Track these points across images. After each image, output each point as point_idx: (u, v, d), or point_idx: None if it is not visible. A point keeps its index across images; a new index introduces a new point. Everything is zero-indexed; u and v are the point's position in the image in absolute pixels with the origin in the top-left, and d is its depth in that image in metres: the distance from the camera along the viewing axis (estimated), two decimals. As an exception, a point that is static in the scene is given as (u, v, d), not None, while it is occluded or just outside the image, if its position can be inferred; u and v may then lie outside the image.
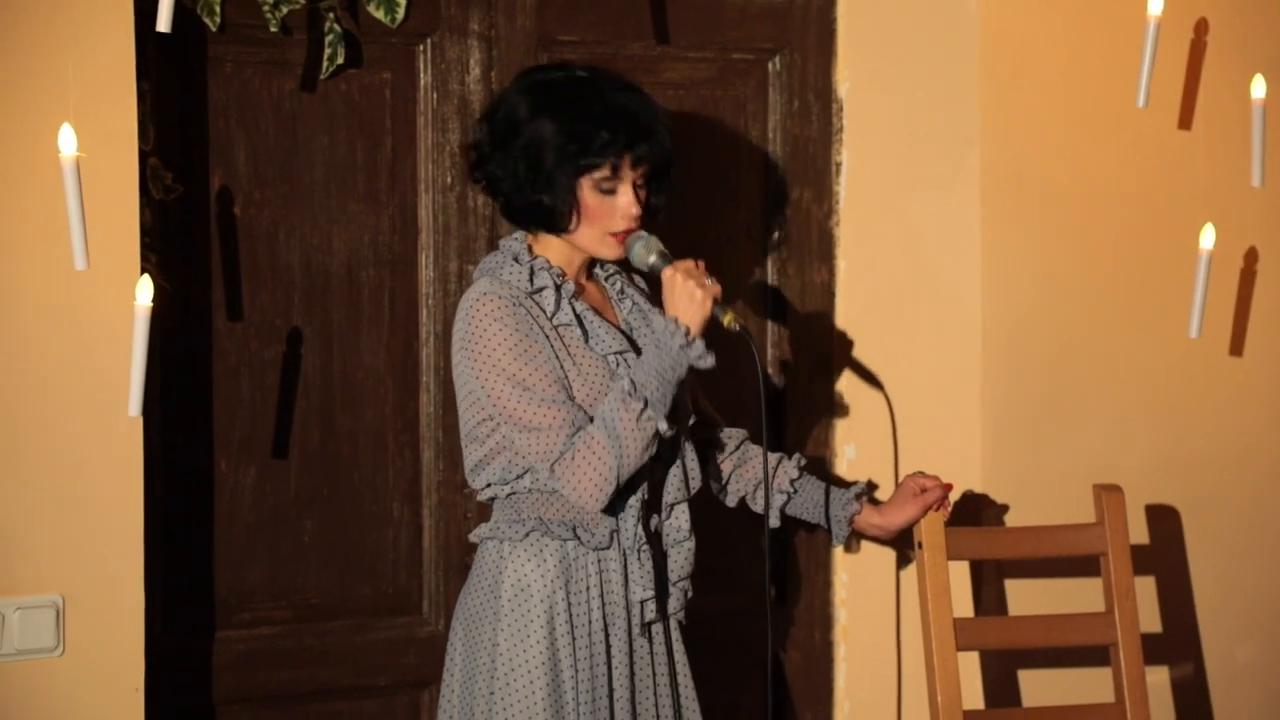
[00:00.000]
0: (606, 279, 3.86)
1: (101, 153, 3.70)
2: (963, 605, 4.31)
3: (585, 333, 3.70)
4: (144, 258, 3.83)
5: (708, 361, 3.63)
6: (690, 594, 3.80)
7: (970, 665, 4.37)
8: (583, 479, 3.61)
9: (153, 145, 3.91)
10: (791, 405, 4.45)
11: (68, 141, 3.57)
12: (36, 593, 3.74)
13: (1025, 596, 4.45)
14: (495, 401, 3.65)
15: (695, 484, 3.79)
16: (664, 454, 3.73)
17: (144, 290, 3.63)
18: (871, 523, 4.00)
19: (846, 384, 4.46)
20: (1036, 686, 4.45)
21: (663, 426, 3.60)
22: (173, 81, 3.94)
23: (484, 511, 4.03)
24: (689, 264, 3.67)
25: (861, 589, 4.48)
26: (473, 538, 3.80)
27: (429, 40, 4.12)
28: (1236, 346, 4.59)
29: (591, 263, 3.82)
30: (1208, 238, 4.27)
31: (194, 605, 4.01)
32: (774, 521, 3.97)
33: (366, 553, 4.14)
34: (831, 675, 4.50)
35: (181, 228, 3.97)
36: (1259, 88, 4.33)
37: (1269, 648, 4.69)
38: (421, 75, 4.13)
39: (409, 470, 4.16)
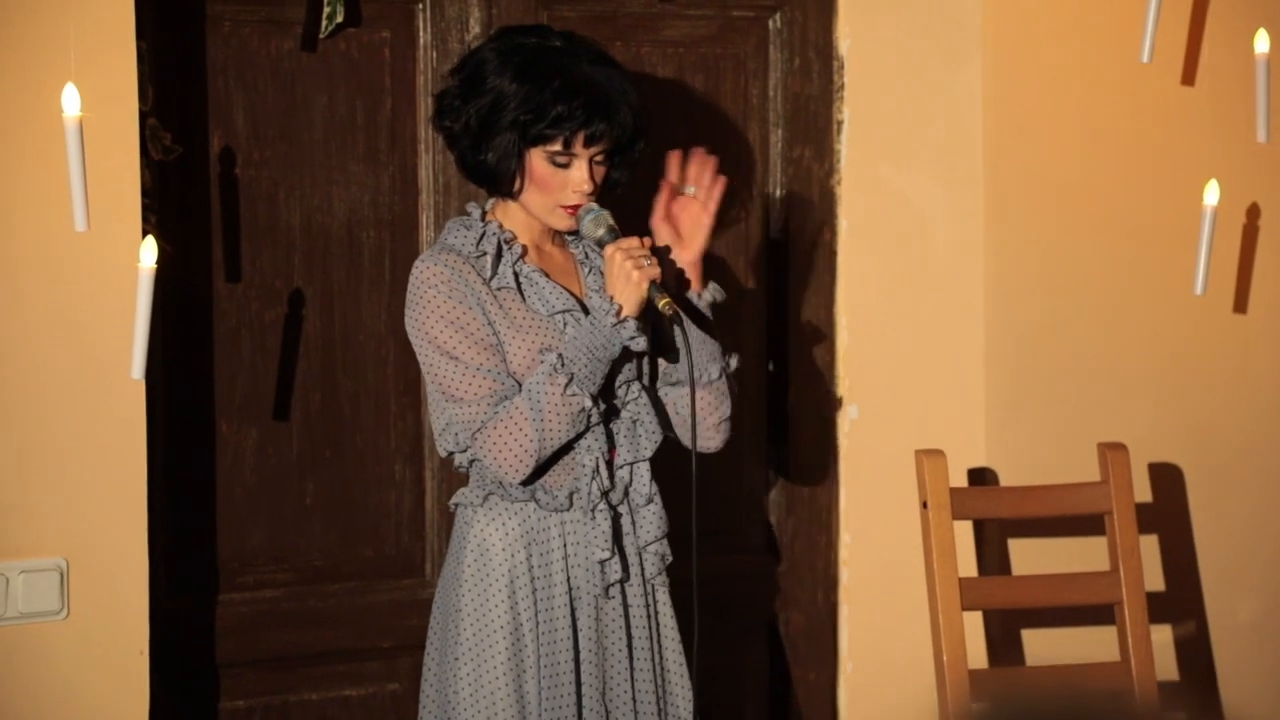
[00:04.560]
0: (575, 246, 3.79)
1: (101, 113, 3.67)
2: (966, 565, 4.29)
3: (522, 295, 3.65)
4: (144, 219, 3.80)
5: (639, 344, 3.58)
6: (669, 558, 3.73)
7: (973, 625, 4.36)
8: (503, 450, 3.58)
9: (151, 105, 3.87)
10: (794, 365, 4.43)
11: (71, 101, 3.53)
12: (40, 556, 3.72)
13: (1028, 556, 4.44)
14: (426, 370, 3.64)
15: (649, 446, 3.69)
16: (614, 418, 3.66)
17: (148, 252, 3.59)
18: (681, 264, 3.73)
19: (849, 343, 4.44)
20: (1040, 645, 4.44)
21: (588, 403, 3.57)
22: (171, 40, 3.91)
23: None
24: (633, 242, 3.59)
25: (864, 549, 4.46)
26: (450, 504, 3.78)
27: (428, -2, 4.09)
28: (1240, 304, 4.56)
29: None
30: (1212, 194, 4.23)
31: (196, 568, 4.00)
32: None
33: (369, 515, 4.12)
34: (835, 636, 4.49)
35: (181, 188, 3.95)
36: (1262, 42, 4.29)
37: (1271, 605, 4.67)
38: (421, 34, 4.10)
39: (410, 432, 4.14)
